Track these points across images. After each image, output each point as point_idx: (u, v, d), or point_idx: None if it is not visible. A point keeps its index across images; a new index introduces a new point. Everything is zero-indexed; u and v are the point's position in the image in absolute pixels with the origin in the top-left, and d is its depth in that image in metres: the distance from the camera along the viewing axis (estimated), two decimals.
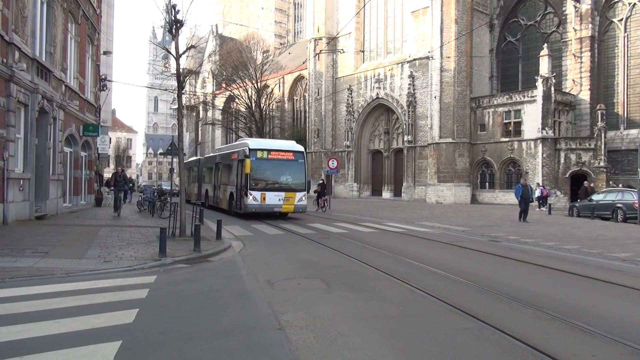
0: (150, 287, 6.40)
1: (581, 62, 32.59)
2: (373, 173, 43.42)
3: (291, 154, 18.32)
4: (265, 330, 4.73)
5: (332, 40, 43.47)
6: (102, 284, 6.49)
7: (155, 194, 22.61)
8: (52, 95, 15.35)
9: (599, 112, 29.46)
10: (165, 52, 13.08)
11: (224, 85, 56.53)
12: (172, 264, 8.22)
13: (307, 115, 47.79)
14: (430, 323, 5.12)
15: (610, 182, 26.98)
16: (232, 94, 52.83)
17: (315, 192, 24.81)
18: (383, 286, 6.87)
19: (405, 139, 37.97)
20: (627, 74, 32.12)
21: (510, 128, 32.74)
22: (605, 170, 28.76)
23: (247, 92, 48.78)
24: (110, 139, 33.99)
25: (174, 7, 11.88)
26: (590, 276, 7.87)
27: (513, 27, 37.82)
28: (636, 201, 18.88)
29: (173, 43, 11.99)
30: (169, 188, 38.42)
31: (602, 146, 28.88)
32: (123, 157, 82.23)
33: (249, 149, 17.48)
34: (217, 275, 7.61)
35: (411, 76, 37.59)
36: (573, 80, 33.11)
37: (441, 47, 33.48)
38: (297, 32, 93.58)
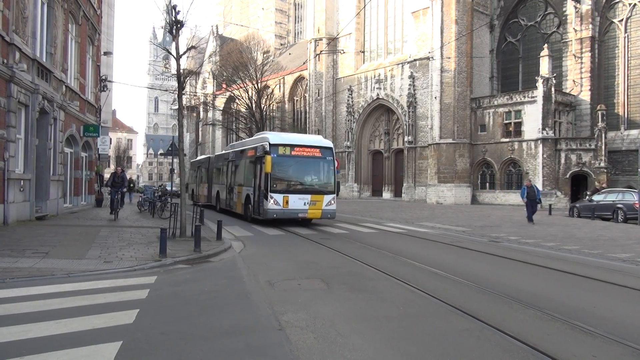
0: (150, 288, 6.40)
1: (581, 63, 32.59)
2: (373, 173, 43.42)
3: (318, 150, 15.70)
4: (266, 330, 4.73)
5: (333, 41, 43.49)
6: (103, 285, 6.49)
7: (157, 194, 21.75)
8: (53, 96, 15.36)
9: (600, 112, 29.45)
10: (166, 53, 13.08)
11: (224, 85, 56.53)
12: (172, 264, 8.22)
13: (308, 116, 47.79)
14: (431, 323, 5.12)
15: (596, 183, 26.87)
16: (232, 94, 52.83)
17: None
18: (383, 287, 6.87)
19: (406, 139, 37.98)
20: (628, 74, 32.12)
21: (510, 128, 32.74)
22: (605, 170, 28.75)
23: (247, 92, 48.78)
24: (110, 139, 34.02)
25: (174, 7, 11.89)
26: (590, 277, 7.86)
27: (513, 28, 37.82)
28: (637, 202, 18.87)
29: (173, 44, 12.00)
30: (175, 188, 38.07)
31: (603, 147, 28.87)
32: (123, 158, 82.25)
33: (269, 144, 14.96)
34: (217, 275, 7.61)
35: (411, 77, 37.60)
36: (573, 80, 33.11)
37: (441, 47, 33.49)
38: (298, 33, 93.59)
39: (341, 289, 6.66)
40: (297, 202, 14.85)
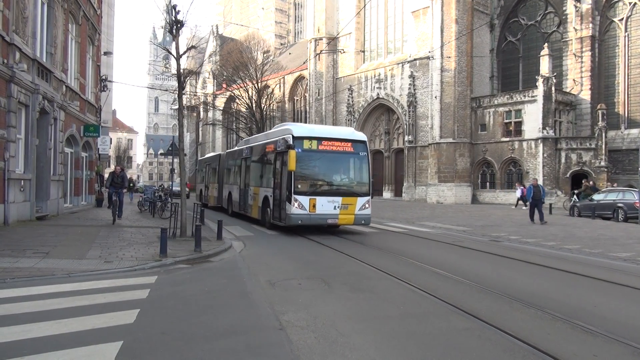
0: (151, 288, 6.40)
1: (582, 62, 32.57)
2: (374, 173, 43.18)
3: (349, 144, 13.48)
4: (266, 330, 4.73)
5: (333, 41, 43.48)
6: (103, 285, 6.49)
7: (157, 194, 21.19)
8: (53, 96, 15.36)
9: (600, 111, 29.44)
10: (166, 53, 13.08)
11: (224, 85, 56.53)
12: (173, 264, 8.22)
13: (308, 116, 47.78)
14: (431, 323, 5.12)
15: (583, 181, 26.82)
16: (232, 94, 52.83)
17: None
18: (384, 286, 6.87)
19: (406, 139, 37.97)
20: (628, 73, 32.10)
21: (510, 128, 32.73)
22: (606, 170, 28.74)
23: (247, 92, 48.78)
24: (110, 139, 33.98)
25: (174, 7, 11.89)
26: (591, 276, 7.86)
27: (513, 27, 37.80)
28: (637, 201, 18.86)
29: (173, 43, 12.00)
30: (179, 189, 37.84)
31: (603, 146, 28.86)
32: (124, 158, 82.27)
33: (293, 136, 12.83)
34: (218, 275, 7.61)
35: (412, 76, 37.58)
36: (574, 80, 33.09)
37: (442, 47, 33.48)
38: (298, 33, 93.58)
39: (342, 289, 6.66)
40: (326, 206, 12.71)
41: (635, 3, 31.56)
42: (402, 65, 38.76)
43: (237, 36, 71.44)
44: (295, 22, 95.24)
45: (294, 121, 53.07)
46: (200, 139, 68.65)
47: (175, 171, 25.84)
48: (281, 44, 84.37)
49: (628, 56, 32.05)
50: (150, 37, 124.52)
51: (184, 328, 4.72)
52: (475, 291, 6.63)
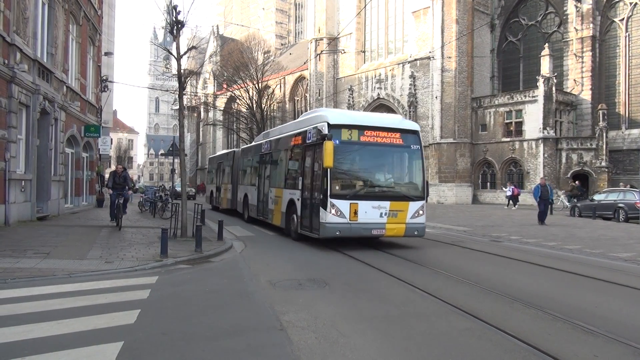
0: (151, 288, 6.40)
1: (582, 62, 32.57)
2: None
3: (398, 135, 10.83)
4: (267, 330, 4.73)
5: (333, 41, 43.49)
6: (104, 285, 6.50)
7: (158, 194, 20.95)
8: (54, 96, 15.37)
9: (600, 112, 29.44)
10: (167, 53, 13.09)
11: (225, 85, 56.55)
12: (173, 264, 8.23)
13: None
14: (432, 323, 5.12)
15: (569, 182, 26.86)
16: (233, 94, 52.82)
17: None
18: (384, 286, 6.87)
19: None
20: (629, 73, 32.09)
21: (511, 128, 32.74)
22: (606, 170, 28.74)
23: (248, 92, 48.78)
24: (111, 139, 34.00)
25: (174, 8, 11.89)
26: (592, 276, 7.86)
27: (514, 27, 37.79)
28: (638, 201, 18.87)
29: (174, 44, 12.01)
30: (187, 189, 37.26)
31: (604, 146, 28.86)
32: (124, 158, 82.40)
33: (329, 124, 10.30)
34: (218, 275, 7.61)
35: (412, 76, 37.58)
36: (574, 80, 33.08)
37: (442, 47, 33.48)
38: (298, 33, 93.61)
39: (342, 289, 6.67)
40: (371, 213, 10.22)
41: (635, 3, 31.54)
42: (403, 66, 38.76)
43: (238, 36, 71.50)
44: (295, 23, 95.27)
45: None
46: (200, 139, 68.71)
47: (176, 171, 25.81)
48: (282, 44, 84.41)
49: (629, 56, 32.04)
50: (151, 37, 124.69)
51: (184, 328, 4.72)
52: (476, 291, 6.63)
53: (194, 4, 16.37)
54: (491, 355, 4.19)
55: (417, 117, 37.34)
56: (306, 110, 49.40)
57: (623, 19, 32.24)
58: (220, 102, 61.28)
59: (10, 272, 6.94)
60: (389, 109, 40.76)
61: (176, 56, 11.94)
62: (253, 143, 18.73)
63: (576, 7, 32.74)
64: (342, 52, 42.55)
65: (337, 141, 10.11)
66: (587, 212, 21.39)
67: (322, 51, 43.03)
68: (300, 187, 11.48)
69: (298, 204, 11.50)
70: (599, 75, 32.88)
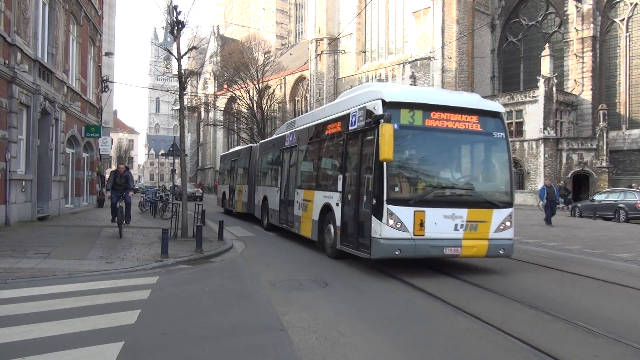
0: (152, 288, 6.40)
1: (583, 62, 32.57)
2: None
3: (475, 118, 8.08)
4: (268, 331, 4.73)
5: (334, 41, 43.52)
6: (104, 285, 6.50)
7: (158, 194, 20.86)
8: (54, 97, 15.38)
9: (601, 112, 29.44)
10: (167, 53, 13.10)
11: (225, 86, 56.61)
12: (174, 264, 8.23)
13: None
14: (433, 324, 5.12)
15: (555, 182, 26.80)
16: (233, 94, 52.88)
17: None
18: (384, 287, 6.87)
19: None
20: (629, 74, 32.10)
21: (512, 128, 32.70)
22: (607, 170, 28.73)
23: (248, 93, 48.83)
24: (112, 140, 33.99)
25: (175, 8, 11.91)
26: (592, 276, 7.85)
27: (514, 28, 37.79)
28: (638, 201, 18.86)
29: (174, 44, 12.01)
30: (191, 190, 34.31)
31: (604, 146, 28.86)
32: (125, 158, 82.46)
33: (384, 102, 7.65)
34: (219, 276, 7.61)
35: (412, 77, 37.59)
36: (575, 80, 33.09)
37: (442, 47, 33.51)
38: (299, 33, 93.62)
39: (342, 289, 6.67)
40: (443, 225, 7.52)
41: (636, 3, 31.54)
42: (403, 66, 38.79)
43: (238, 37, 71.54)
44: (296, 23, 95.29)
45: None
46: (201, 140, 68.78)
47: (176, 172, 25.77)
48: (282, 45, 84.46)
49: (629, 56, 32.03)
50: (152, 37, 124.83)
51: (185, 328, 4.72)
52: (476, 292, 6.63)
53: (194, 5, 15.96)
54: (492, 356, 4.19)
55: None
56: (307, 111, 49.42)
57: (623, 19, 32.24)
58: (221, 103, 61.35)
59: (10, 272, 6.94)
60: None
61: (177, 56, 11.94)
62: (274, 136, 15.65)
63: (577, 7, 32.75)
64: (343, 52, 42.60)
65: (397, 125, 7.34)
66: (588, 212, 21.39)
67: (322, 51, 43.08)
68: (339, 189, 8.83)
69: (337, 211, 8.86)
70: (600, 75, 32.88)
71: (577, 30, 32.71)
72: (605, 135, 28.80)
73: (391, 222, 7.22)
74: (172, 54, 12.24)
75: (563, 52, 33.81)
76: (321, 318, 5.15)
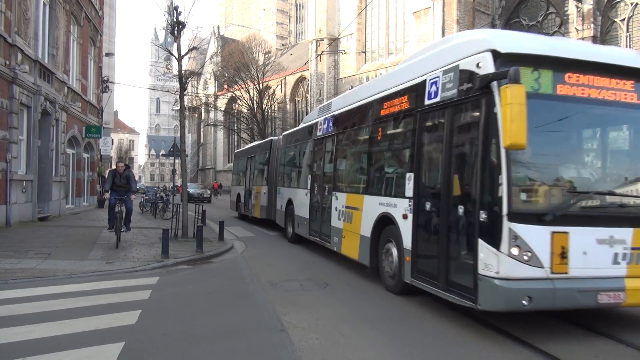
0: (152, 289, 6.40)
1: None
2: None
3: (631, 83, 4.96)
4: (268, 331, 4.73)
5: (334, 41, 43.52)
6: (105, 286, 6.50)
7: (158, 195, 20.84)
8: (55, 97, 15.39)
9: None
10: (168, 54, 13.10)
11: (225, 86, 56.60)
12: (174, 265, 8.24)
13: None
14: (433, 324, 5.12)
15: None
16: (233, 95, 52.87)
17: None
18: (385, 287, 6.87)
19: None
20: None
21: None
22: None
23: (248, 93, 48.83)
24: (112, 140, 33.96)
25: (175, 8, 11.92)
26: None
27: (515, 28, 37.74)
28: None
29: (175, 45, 12.02)
30: (198, 191, 33.99)
31: None
32: (125, 159, 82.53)
33: (497, 53, 4.70)
34: (219, 276, 7.62)
35: None
36: None
37: None
38: (299, 33, 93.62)
39: (343, 290, 6.67)
40: (596, 255, 4.63)
41: (637, 3, 31.54)
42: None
43: (239, 37, 71.54)
44: (296, 23, 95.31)
45: (295, 122, 52.26)
46: (201, 140, 68.78)
47: (177, 172, 25.74)
48: (282, 45, 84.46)
49: None
50: (152, 38, 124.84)
51: (185, 329, 4.73)
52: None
53: (194, 5, 15.77)
54: (493, 356, 4.19)
55: None
56: (307, 111, 49.28)
57: (624, 19, 32.22)
58: (221, 103, 61.35)
59: (11, 272, 6.95)
60: None
61: (177, 57, 11.95)
62: (301, 125, 12.88)
63: (577, 7, 32.74)
64: (343, 52, 42.60)
65: (534, 90, 4.71)
66: None
67: (322, 52, 43.07)
68: (409, 194, 6.03)
69: (404, 226, 6.10)
70: None
71: (577, 30, 32.69)
72: None
73: (515, 250, 4.38)
74: (172, 54, 12.24)
75: None
76: (321, 318, 5.15)
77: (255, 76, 48.70)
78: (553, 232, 4.46)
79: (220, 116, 60.37)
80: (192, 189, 34.09)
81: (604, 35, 32.91)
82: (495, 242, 4.44)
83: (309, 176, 10.62)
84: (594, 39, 32.16)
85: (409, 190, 6.04)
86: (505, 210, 4.40)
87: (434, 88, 5.73)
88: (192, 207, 13.28)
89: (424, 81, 5.93)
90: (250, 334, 4.63)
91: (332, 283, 7.02)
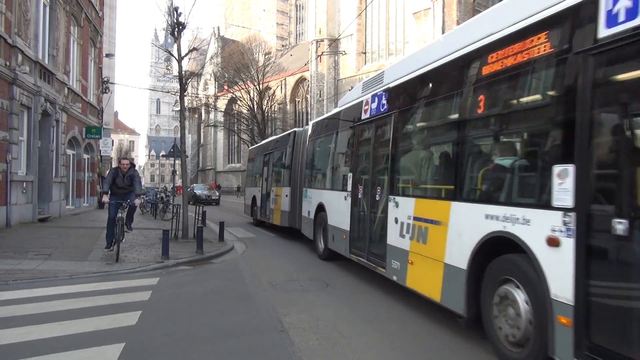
0: (153, 289, 6.40)
1: None
2: None
3: None
4: (268, 332, 4.73)
5: (334, 42, 43.54)
6: (105, 286, 6.50)
7: (159, 196, 20.89)
8: (55, 98, 15.40)
9: None
10: (168, 55, 13.10)
11: (225, 87, 56.65)
12: (174, 265, 8.23)
13: (310, 117, 47.80)
14: (434, 325, 5.11)
15: None
16: (234, 95, 52.92)
17: None
18: (385, 288, 6.86)
19: None
20: None
21: None
22: None
23: (249, 94, 48.87)
24: (112, 141, 33.99)
25: (176, 9, 11.93)
26: None
27: None
28: None
29: (175, 45, 12.02)
30: (206, 192, 31.41)
31: None
32: None
33: None
34: (219, 277, 7.61)
35: None
36: None
37: None
38: (299, 34, 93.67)
39: (343, 290, 6.66)
40: None
41: None
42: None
43: (239, 38, 71.59)
44: (296, 24, 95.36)
45: (295, 123, 52.50)
46: (201, 141, 68.85)
47: (177, 173, 25.72)
48: (282, 46, 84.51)
49: None
50: (152, 39, 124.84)
51: (186, 330, 4.72)
52: None
53: (195, 6, 15.47)
54: (493, 356, 4.19)
55: None
56: (308, 112, 49.23)
57: None
58: (221, 104, 61.39)
59: (11, 273, 6.95)
60: None
61: (177, 58, 11.95)
62: (336, 109, 9.81)
63: None
64: (343, 53, 42.60)
65: None
66: None
67: (322, 52, 43.08)
68: (569, 201, 3.41)
69: (552, 260, 3.53)
70: None
71: None
72: None
73: None
74: (172, 55, 12.25)
75: None
76: (322, 319, 5.15)
77: (255, 77, 48.74)
78: None
79: (220, 117, 60.42)
80: (199, 190, 32.14)
81: None
82: None
83: (350, 174, 8.02)
84: None
85: (566, 195, 3.42)
86: None
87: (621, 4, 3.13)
88: (191, 207, 13.22)
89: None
90: (250, 334, 4.63)
91: (332, 283, 7.02)
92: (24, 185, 13.47)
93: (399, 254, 5.87)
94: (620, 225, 3.00)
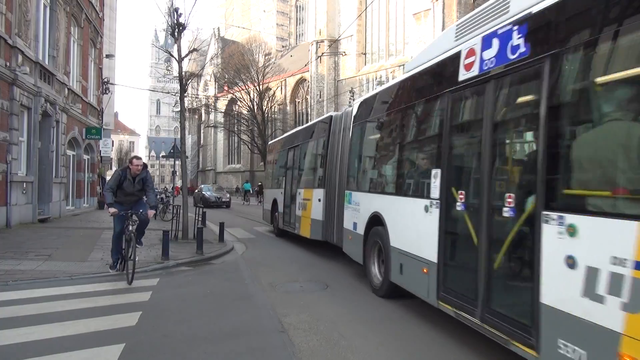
0: (153, 290, 6.40)
1: None
2: None
3: None
4: (268, 332, 4.73)
5: (334, 43, 43.56)
6: (105, 287, 6.50)
7: (159, 196, 20.62)
8: (55, 99, 15.40)
9: None
10: (168, 55, 13.11)
11: (226, 88, 56.64)
12: (174, 266, 8.23)
13: (310, 118, 47.79)
14: (434, 325, 5.11)
15: None
16: (234, 96, 52.91)
17: None
18: None
19: None
20: None
21: None
22: None
23: (249, 94, 48.86)
24: (112, 141, 34.01)
25: (176, 10, 11.93)
26: None
27: None
28: None
29: (175, 46, 12.03)
30: (215, 194, 29.05)
31: None
32: (125, 160, 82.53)
33: None
34: (219, 277, 7.61)
35: None
36: None
37: None
38: (299, 35, 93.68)
39: (343, 291, 6.66)
40: None
41: None
42: (404, 68, 38.76)
43: (239, 39, 71.60)
44: (296, 25, 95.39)
45: (295, 124, 52.51)
46: (202, 142, 68.83)
47: (177, 173, 25.68)
48: (282, 47, 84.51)
49: None
50: (152, 39, 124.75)
51: (185, 330, 4.72)
52: None
53: (195, 7, 15.41)
54: (494, 357, 4.19)
55: None
56: (308, 113, 49.27)
57: None
58: (221, 104, 61.37)
59: (11, 274, 6.95)
60: None
61: (177, 58, 11.96)
62: (406, 75, 6.67)
63: None
64: (343, 54, 42.62)
65: None
66: None
67: (323, 53, 43.08)
68: None
69: None
70: None
71: None
72: None
73: None
74: (173, 56, 12.25)
75: None
76: (322, 320, 5.15)
77: (256, 78, 48.74)
78: None
79: (220, 118, 60.40)
80: (208, 191, 29.76)
81: None
82: None
83: (437, 171, 4.95)
84: None
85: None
86: None
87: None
88: (191, 208, 13.15)
89: None
90: (250, 335, 4.62)
91: (332, 284, 7.01)
92: (24, 185, 13.47)
93: (574, 332, 2.93)
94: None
